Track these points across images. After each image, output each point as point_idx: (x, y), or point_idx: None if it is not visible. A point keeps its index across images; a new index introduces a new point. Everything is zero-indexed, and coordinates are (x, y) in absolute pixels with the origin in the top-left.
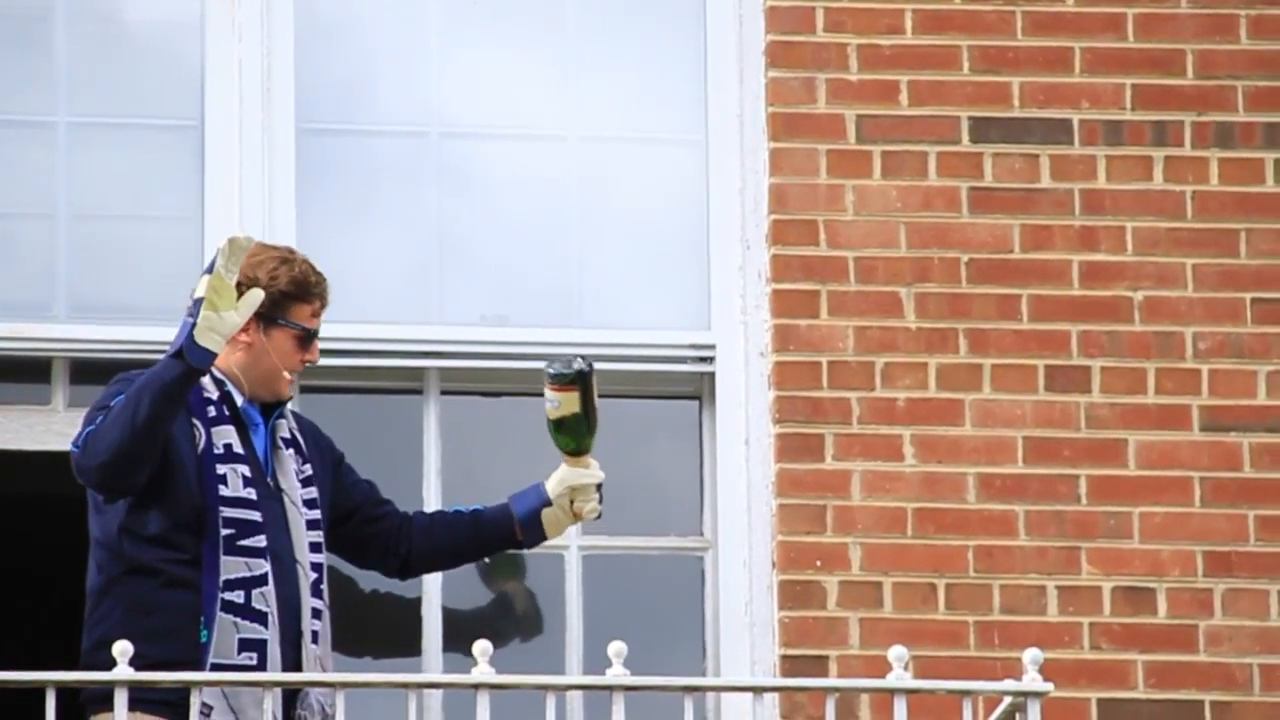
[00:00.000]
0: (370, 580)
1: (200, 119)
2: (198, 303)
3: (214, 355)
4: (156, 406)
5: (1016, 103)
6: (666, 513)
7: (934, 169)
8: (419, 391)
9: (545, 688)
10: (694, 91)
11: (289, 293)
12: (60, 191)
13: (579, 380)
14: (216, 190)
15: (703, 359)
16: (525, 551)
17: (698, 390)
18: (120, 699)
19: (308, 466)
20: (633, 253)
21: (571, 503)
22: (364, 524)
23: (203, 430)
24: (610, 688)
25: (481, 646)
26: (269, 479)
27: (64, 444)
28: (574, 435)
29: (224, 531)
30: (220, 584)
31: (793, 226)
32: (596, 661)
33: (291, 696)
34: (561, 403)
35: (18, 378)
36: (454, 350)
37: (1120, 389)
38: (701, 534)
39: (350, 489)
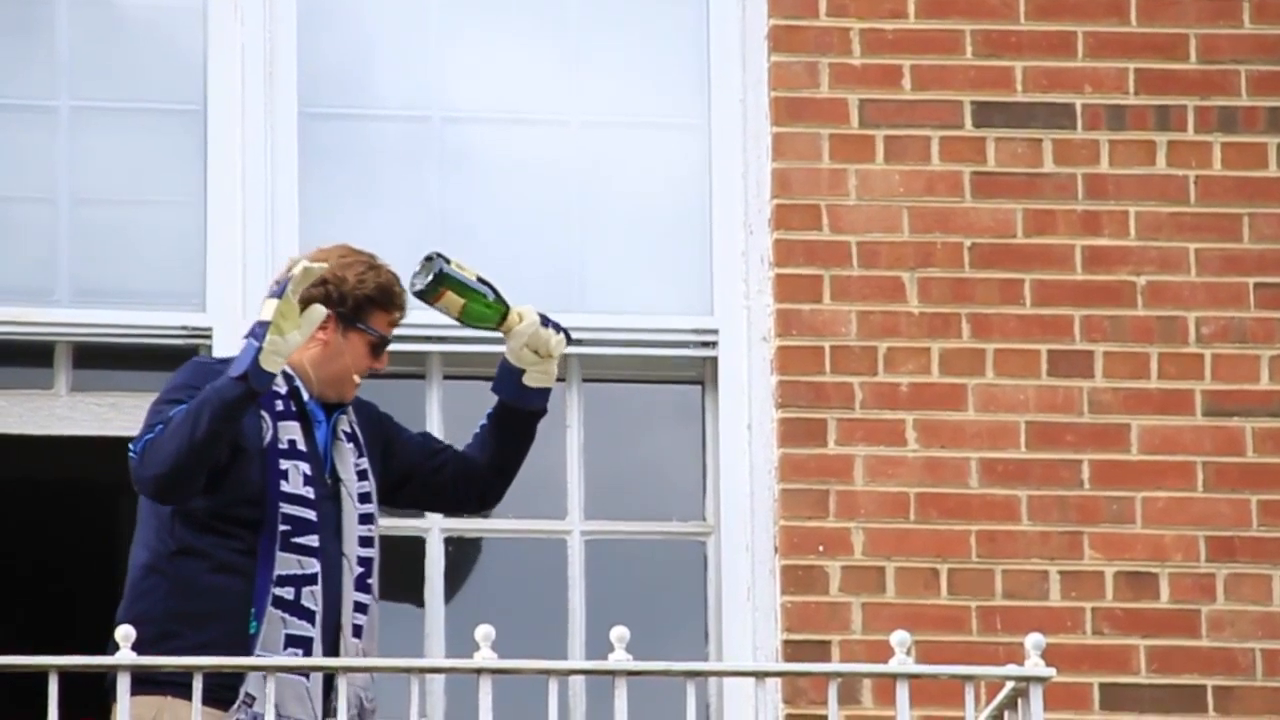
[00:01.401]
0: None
1: (203, 103)
2: (262, 325)
3: (274, 376)
4: (216, 424)
5: (1019, 87)
6: (669, 497)
7: (937, 154)
8: (421, 376)
9: (547, 672)
10: (697, 76)
11: (374, 298)
12: (62, 176)
13: (442, 282)
14: (219, 175)
15: (705, 343)
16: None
17: (700, 375)
18: (123, 684)
19: (363, 460)
20: (635, 237)
21: (536, 352)
22: (429, 476)
23: (270, 423)
24: (612, 672)
25: (484, 632)
26: (327, 476)
27: (65, 428)
28: (480, 317)
29: (281, 527)
30: (274, 579)
31: (795, 211)
32: (598, 646)
33: (328, 690)
34: (446, 306)
35: (20, 362)
36: (456, 334)
37: (1123, 374)
38: (704, 519)
39: (401, 452)
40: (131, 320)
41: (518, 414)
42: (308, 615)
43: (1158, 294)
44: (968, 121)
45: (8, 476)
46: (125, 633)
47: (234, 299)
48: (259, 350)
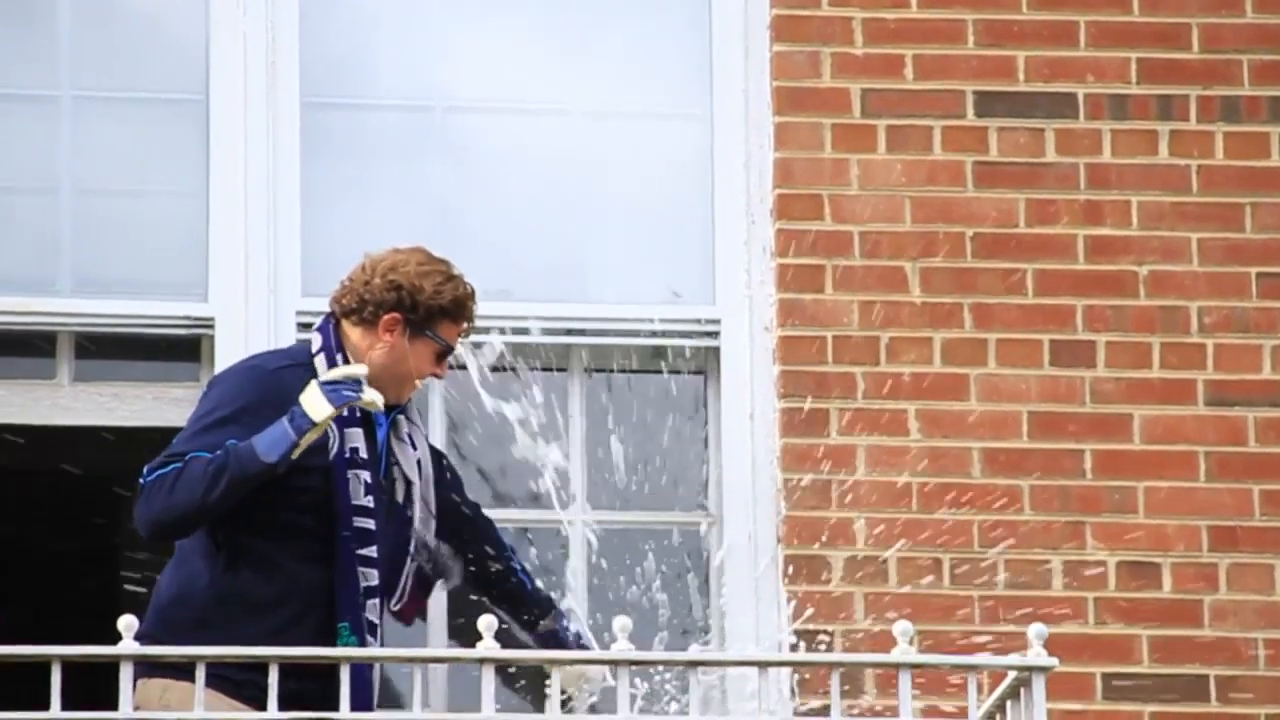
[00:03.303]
0: None
1: (204, 93)
2: (308, 422)
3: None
4: (231, 492)
5: (1022, 77)
6: (672, 487)
7: (939, 143)
8: None
9: (550, 662)
10: (699, 66)
11: (447, 309)
12: (64, 166)
13: None
14: (221, 165)
15: (708, 333)
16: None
17: (703, 365)
18: (125, 673)
19: (422, 462)
20: (637, 227)
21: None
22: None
23: (336, 432)
24: (616, 662)
25: (487, 621)
26: (383, 479)
27: (69, 418)
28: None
29: (353, 541)
30: (362, 591)
31: (798, 201)
32: (602, 635)
33: None
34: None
35: (22, 352)
36: None
37: (1125, 364)
38: (706, 509)
39: (447, 493)
40: (134, 310)
41: (532, 615)
42: (371, 630)
43: (1160, 284)
44: (970, 111)
45: (10, 466)
46: (128, 623)
47: (236, 289)
48: (294, 445)
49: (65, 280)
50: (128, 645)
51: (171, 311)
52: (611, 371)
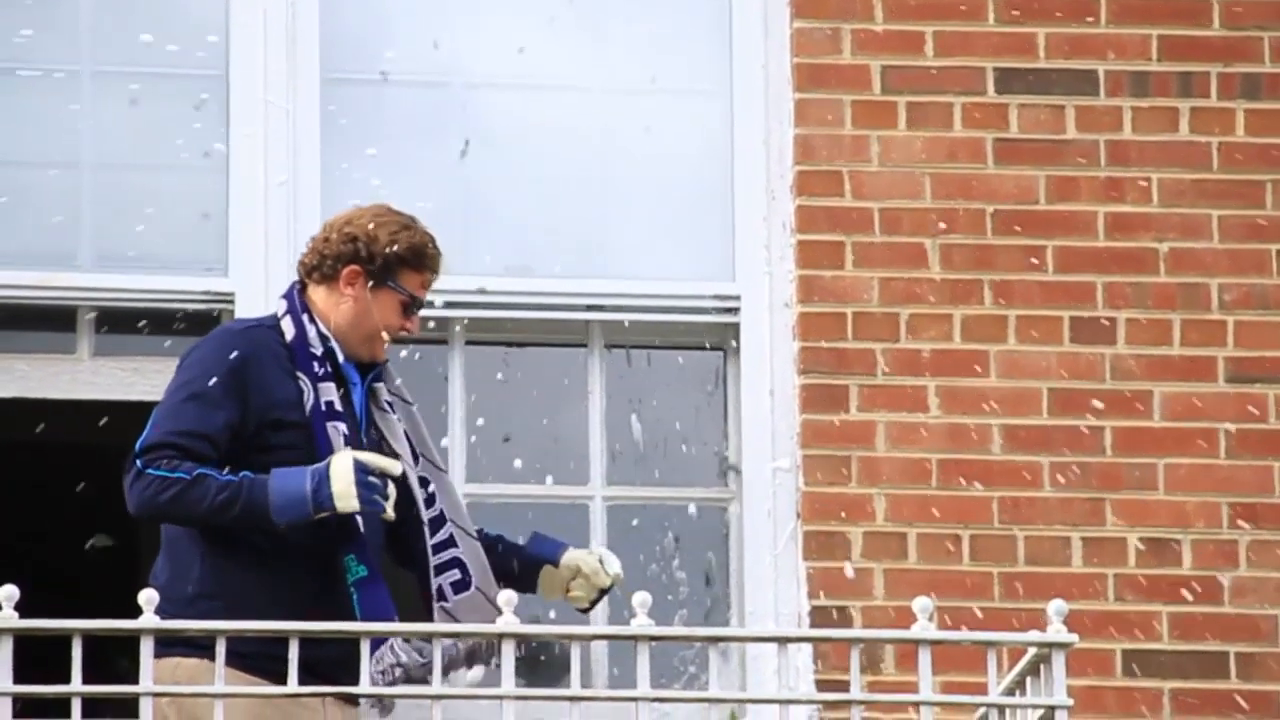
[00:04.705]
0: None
1: (225, 69)
2: (330, 501)
3: None
4: (233, 522)
5: (1042, 53)
6: (691, 464)
7: (959, 120)
8: (444, 341)
9: (570, 637)
10: (719, 42)
11: (405, 258)
12: (85, 141)
13: None
14: (241, 140)
15: (727, 310)
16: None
17: (722, 341)
18: (146, 647)
19: (407, 434)
20: (657, 204)
21: (572, 579)
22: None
23: (310, 387)
24: (635, 638)
25: (506, 596)
26: (363, 436)
27: (89, 392)
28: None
29: None
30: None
31: (818, 177)
32: (620, 612)
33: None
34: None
35: (43, 326)
36: (478, 300)
37: (1145, 340)
38: (726, 485)
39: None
40: (154, 285)
41: (509, 560)
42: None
43: (1180, 260)
44: (990, 88)
45: (31, 440)
46: (148, 596)
47: (256, 264)
48: (307, 518)
49: (86, 255)
50: (149, 619)
51: (192, 286)
52: (631, 347)
